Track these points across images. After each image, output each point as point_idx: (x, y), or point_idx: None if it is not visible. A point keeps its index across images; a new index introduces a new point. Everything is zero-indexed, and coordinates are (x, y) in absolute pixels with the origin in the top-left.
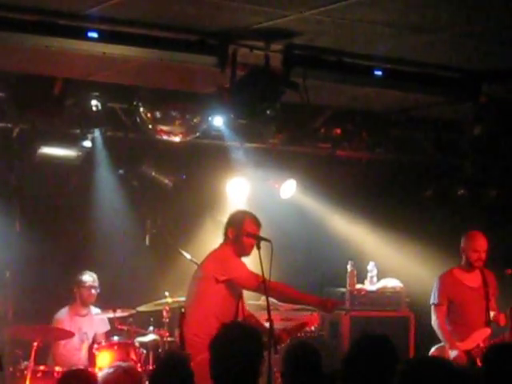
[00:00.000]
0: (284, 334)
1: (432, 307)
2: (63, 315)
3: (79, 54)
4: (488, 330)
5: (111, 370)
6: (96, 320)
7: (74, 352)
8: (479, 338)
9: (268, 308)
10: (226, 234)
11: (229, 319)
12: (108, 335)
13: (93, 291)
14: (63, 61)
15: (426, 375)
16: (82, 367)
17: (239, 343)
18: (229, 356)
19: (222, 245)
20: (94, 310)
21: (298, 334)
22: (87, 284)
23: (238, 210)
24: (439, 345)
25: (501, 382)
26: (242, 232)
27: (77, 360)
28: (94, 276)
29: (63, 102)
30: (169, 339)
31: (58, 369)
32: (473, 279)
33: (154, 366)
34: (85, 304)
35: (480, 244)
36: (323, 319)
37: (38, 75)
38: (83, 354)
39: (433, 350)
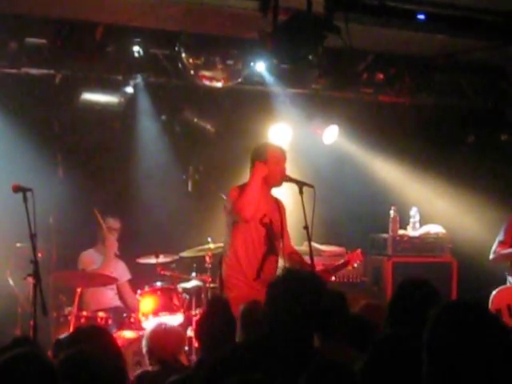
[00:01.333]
0: (326, 274)
1: (495, 242)
2: (89, 254)
3: None
4: None
5: (162, 327)
6: (118, 266)
7: (103, 293)
8: None
9: (311, 253)
10: (252, 169)
11: (257, 255)
12: (149, 281)
13: (114, 233)
14: (105, 6)
15: (459, 320)
16: (112, 307)
17: (298, 295)
18: (286, 307)
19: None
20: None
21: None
22: (109, 226)
23: (259, 143)
24: (503, 286)
25: None
26: (269, 161)
27: (108, 301)
28: (117, 219)
29: (105, 47)
30: (211, 285)
31: (101, 314)
32: None
33: (203, 311)
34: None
35: None
36: (366, 264)
37: (80, 21)
38: (109, 294)
39: (495, 292)
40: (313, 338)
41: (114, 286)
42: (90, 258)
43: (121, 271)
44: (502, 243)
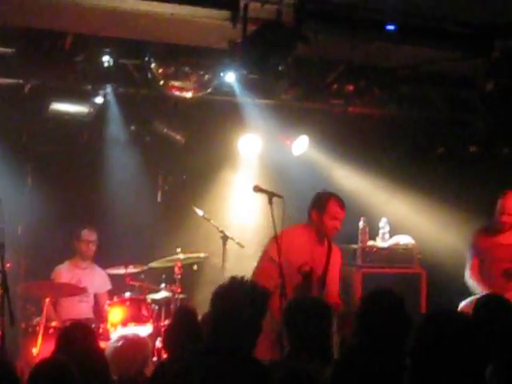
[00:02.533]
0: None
1: (467, 263)
2: (63, 267)
3: (90, 8)
4: None
5: (119, 343)
6: (97, 277)
7: (74, 305)
8: None
9: (280, 263)
10: (309, 216)
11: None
12: (118, 292)
13: (90, 246)
14: (74, 16)
15: (444, 330)
16: (82, 318)
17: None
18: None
19: (301, 224)
20: (97, 268)
21: None
22: (84, 238)
23: (323, 191)
24: (469, 299)
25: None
26: (326, 214)
27: (78, 313)
28: (93, 231)
29: (74, 57)
30: (181, 296)
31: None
32: (505, 237)
33: (169, 322)
34: (84, 258)
35: (505, 205)
36: None
37: (49, 30)
38: (84, 307)
39: (462, 305)
40: (254, 346)
41: (90, 299)
42: (60, 273)
43: (101, 281)
44: (470, 260)
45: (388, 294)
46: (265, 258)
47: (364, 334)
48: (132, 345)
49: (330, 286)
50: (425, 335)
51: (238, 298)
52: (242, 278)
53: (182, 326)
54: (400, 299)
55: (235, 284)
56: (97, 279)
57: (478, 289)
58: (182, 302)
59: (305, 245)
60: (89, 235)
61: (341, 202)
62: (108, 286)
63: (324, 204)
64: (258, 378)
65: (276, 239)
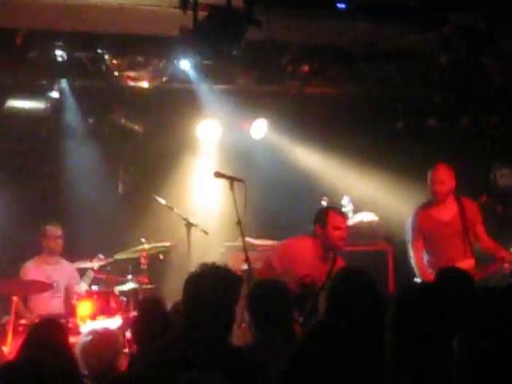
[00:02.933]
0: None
1: (408, 244)
2: (30, 265)
3: (40, 3)
4: (470, 262)
5: (88, 338)
6: (67, 271)
7: (46, 302)
8: None
9: (245, 248)
10: (314, 232)
11: None
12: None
13: (57, 241)
14: (25, 11)
15: (420, 302)
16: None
17: (214, 286)
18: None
19: (309, 237)
20: (66, 262)
21: None
22: (49, 234)
23: (322, 207)
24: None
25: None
26: (328, 226)
27: (50, 309)
28: (57, 226)
29: (27, 53)
30: (148, 286)
31: None
32: (445, 212)
33: (136, 316)
34: (52, 253)
35: (436, 176)
36: None
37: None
38: (56, 302)
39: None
40: (228, 333)
41: (62, 294)
42: (28, 270)
43: (70, 275)
44: (414, 241)
45: (357, 272)
46: (266, 263)
47: (335, 312)
48: (101, 339)
49: None
50: (405, 307)
51: (211, 284)
52: (214, 263)
53: (148, 317)
54: (370, 277)
55: (207, 270)
56: (67, 273)
57: (419, 274)
58: (147, 292)
59: (309, 259)
60: (53, 230)
61: (340, 212)
62: (78, 279)
63: (324, 217)
64: (234, 365)
65: (282, 247)
